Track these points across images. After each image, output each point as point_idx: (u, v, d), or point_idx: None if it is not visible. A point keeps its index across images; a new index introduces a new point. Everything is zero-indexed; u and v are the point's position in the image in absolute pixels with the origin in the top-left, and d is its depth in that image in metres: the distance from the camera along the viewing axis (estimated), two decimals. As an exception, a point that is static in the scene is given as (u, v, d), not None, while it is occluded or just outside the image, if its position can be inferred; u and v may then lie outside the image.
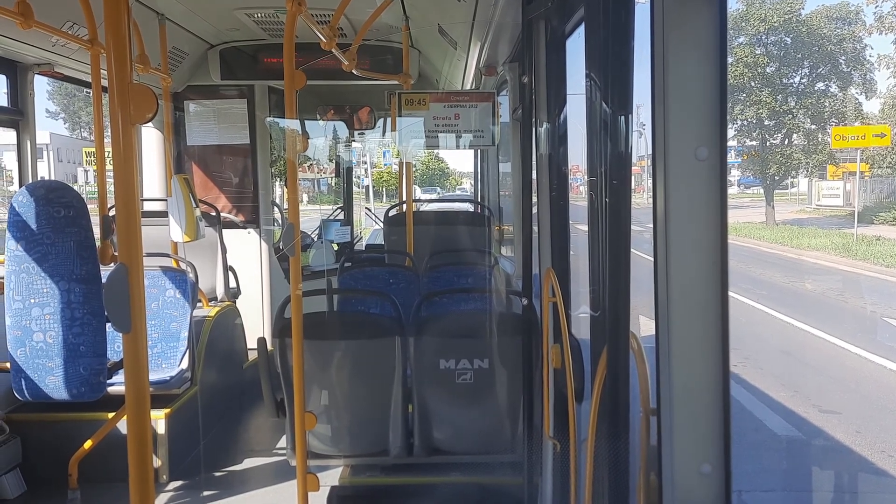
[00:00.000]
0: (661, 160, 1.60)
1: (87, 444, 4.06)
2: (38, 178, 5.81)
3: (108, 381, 3.81)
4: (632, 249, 1.92)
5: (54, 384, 3.65)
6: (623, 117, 1.93)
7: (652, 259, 1.67)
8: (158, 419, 4.34)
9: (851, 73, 29.92)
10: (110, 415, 4.14)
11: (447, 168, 52.65)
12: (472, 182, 10.56)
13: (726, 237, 1.60)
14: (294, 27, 3.25)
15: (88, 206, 3.75)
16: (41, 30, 3.79)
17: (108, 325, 3.10)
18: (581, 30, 2.71)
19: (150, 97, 1.98)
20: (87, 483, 4.07)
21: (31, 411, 4.24)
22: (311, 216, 11.02)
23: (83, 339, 3.62)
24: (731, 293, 1.62)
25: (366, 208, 12.93)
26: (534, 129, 3.35)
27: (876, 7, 25.85)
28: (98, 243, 3.91)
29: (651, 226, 1.68)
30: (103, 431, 4.08)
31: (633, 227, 1.88)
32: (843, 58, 29.72)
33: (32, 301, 3.61)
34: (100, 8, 2.05)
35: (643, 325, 1.86)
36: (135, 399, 2.14)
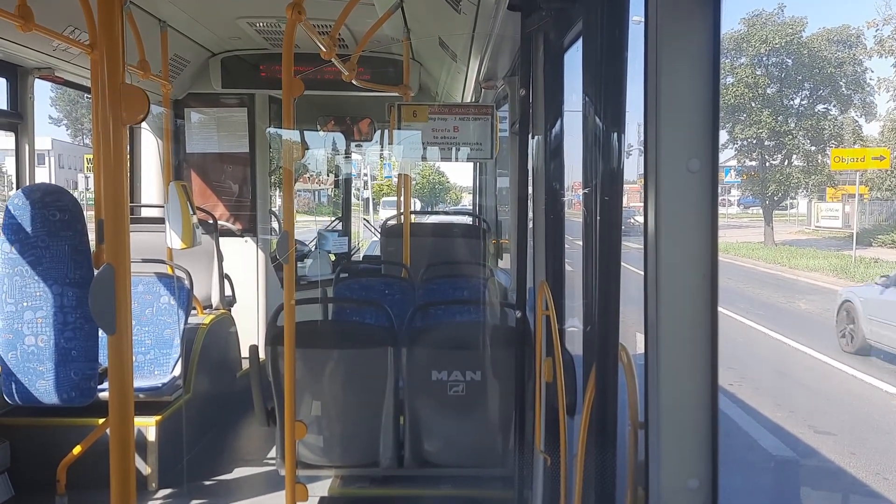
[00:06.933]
0: (653, 172, 1.61)
1: (76, 450, 4.03)
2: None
3: (100, 387, 3.79)
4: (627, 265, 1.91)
5: (45, 388, 3.63)
6: (616, 133, 1.94)
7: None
8: (149, 426, 4.31)
9: (851, 95, 30.00)
10: (100, 420, 4.12)
11: (447, 182, 52.63)
12: (472, 195, 10.60)
13: (717, 248, 1.60)
14: (293, 35, 3.26)
15: (88, 212, 3.74)
16: (42, 33, 3.79)
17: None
18: (579, 43, 2.72)
19: (141, 98, 1.98)
20: (74, 489, 4.03)
21: (21, 415, 4.21)
22: (308, 227, 11.01)
23: (75, 343, 3.61)
24: (728, 312, 1.62)
25: (363, 219, 12.90)
26: (530, 143, 3.36)
27: (877, 31, 25.86)
28: (93, 248, 3.90)
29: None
30: (93, 437, 4.05)
31: (632, 244, 1.87)
32: (843, 80, 29.79)
33: (25, 304, 3.60)
34: None
35: (640, 339, 1.85)
36: (119, 401, 2.13)
